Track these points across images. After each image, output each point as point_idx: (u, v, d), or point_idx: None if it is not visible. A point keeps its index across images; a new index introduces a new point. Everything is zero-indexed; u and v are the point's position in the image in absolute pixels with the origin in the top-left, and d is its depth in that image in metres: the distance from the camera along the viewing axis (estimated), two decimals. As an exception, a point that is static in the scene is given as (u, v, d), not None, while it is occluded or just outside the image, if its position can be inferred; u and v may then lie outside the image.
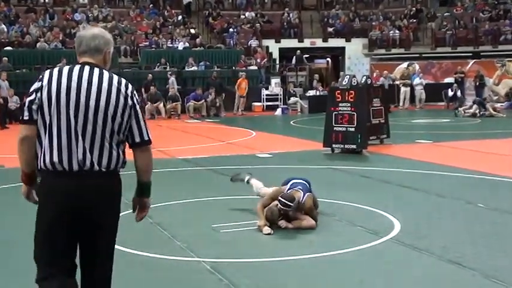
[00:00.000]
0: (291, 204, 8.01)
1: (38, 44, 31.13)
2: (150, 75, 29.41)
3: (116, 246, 7.31)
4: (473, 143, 17.25)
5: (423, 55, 36.74)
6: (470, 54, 35.33)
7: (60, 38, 32.02)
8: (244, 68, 32.02)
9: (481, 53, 35.18)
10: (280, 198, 8.10)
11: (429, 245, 7.35)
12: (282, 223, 8.08)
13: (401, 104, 31.50)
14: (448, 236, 7.86)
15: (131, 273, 6.65)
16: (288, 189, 8.42)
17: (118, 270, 6.85)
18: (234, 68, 32.32)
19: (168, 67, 31.33)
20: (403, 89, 31.60)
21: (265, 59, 33.64)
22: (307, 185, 8.68)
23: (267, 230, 7.96)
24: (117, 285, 4.70)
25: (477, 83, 31.15)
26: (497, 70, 32.61)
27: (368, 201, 9.75)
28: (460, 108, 26.62)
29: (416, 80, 32.34)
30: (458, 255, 6.95)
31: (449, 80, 33.30)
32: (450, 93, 31.79)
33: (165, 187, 11.54)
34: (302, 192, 8.36)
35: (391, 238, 7.73)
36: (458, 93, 31.71)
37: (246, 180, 9.58)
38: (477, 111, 25.84)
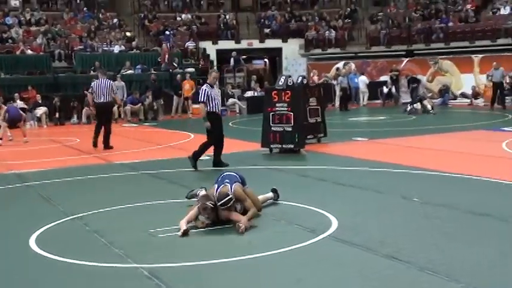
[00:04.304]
0: (226, 198, 8.28)
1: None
2: (94, 79, 28.85)
3: (53, 256, 7.30)
4: (408, 139, 17.56)
5: (358, 54, 37.24)
6: (404, 52, 35.97)
7: (-8, 43, 31.41)
8: (180, 70, 31.89)
9: (414, 52, 35.85)
10: (217, 203, 8.28)
11: (366, 241, 7.44)
12: (240, 228, 8.05)
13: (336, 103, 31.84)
14: (384, 231, 7.97)
15: (69, 282, 6.57)
16: (217, 190, 8.55)
17: (55, 280, 6.80)
18: (170, 70, 32.14)
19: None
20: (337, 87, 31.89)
21: (167, 56, 33.29)
22: (237, 176, 9.00)
23: (182, 232, 8.00)
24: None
25: (410, 87, 31.73)
26: (431, 68, 33.23)
27: (306, 199, 9.81)
28: (409, 106, 26.89)
29: (361, 79, 32.76)
30: (394, 249, 7.06)
31: (384, 78, 33.84)
32: (385, 90, 32.34)
33: (102, 193, 11.46)
34: (229, 185, 8.63)
35: (328, 235, 7.79)
36: (393, 90, 32.27)
37: (198, 193, 9.59)
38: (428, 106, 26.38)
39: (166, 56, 32.75)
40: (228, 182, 8.73)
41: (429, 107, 26.60)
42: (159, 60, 33.01)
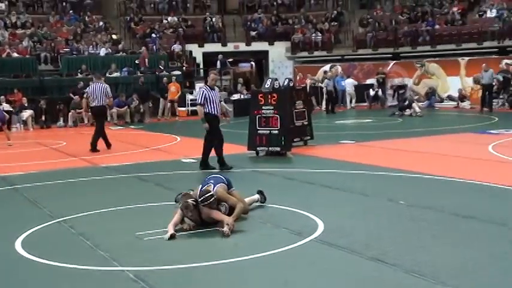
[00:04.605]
0: (207, 194, 8.38)
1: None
2: (81, 82, 28.88)
3: (39, 259, 7.27)
4: (394, 142, 17.59)
5: (345, 57, 37.31)
6: (391, 55, 36.08)
7: (-22, 46, 31.25)
8: (166, 73, 31.87)
9: (401, 54, 35.95)
10: (198, 199, 8.34)
11: (351, 243, 7.45)
12: (225, 232, 8.04)
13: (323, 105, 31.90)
14: (370, 233, 7.99)
15: (54, 285, 6.56)
16: (200, 189, 8.61)
17: (41, 283, 6.77)
18: (157, 73, 32.09)
19: (90, 74, 30.89)
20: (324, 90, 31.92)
21: (147, 59, 33.23)
22: (222, 178, 9.09)
23: (170, 235, 8.00)
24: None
25: (397, 94, 31.86)
26: (417, 70, 33.34)
27: (292, 202, 9.81)
28: (398, 112, 27.00)
29: (348, 81, 32.85)
30: (380, 252, 7.07)
31: (371, 81, 33.93)
32: (372, 92, 32.43)
33: (88, 196, 11.42)
34: (213, 185, 8.75)
35: (314, 238, 7.80)
36: (380, 93, 32.36)
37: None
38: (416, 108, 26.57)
39: (146, 59, 32.63)
40: (212, 183, 8.83)
41: (417, 109, 26.71)
42: (137, 62, 32.82)
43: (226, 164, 13.63)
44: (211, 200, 8.39)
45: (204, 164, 13.68)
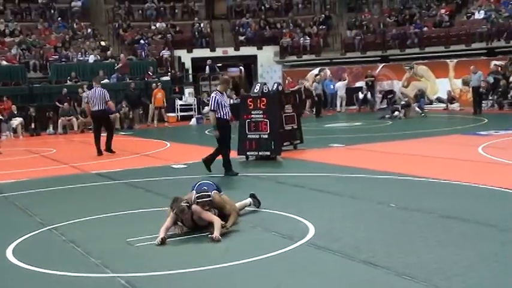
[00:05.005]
0: (205, 193, 8.49)
1: None
2: (64, 89, 28.91)
3: (30, 267, 7.25)
4: (384, 145, 17.65)
5: (333, 60, 37.37)
6: (379, 58, 36.18)
7: (-34, 54, 31.14)
8: (156, 79, 31.84)
9: (389, 57, 36.08)
10: (196, 197, 8.44)
11: (343, 247, 7.47)
12: (215, 237, 8.04)
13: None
14: (361, 236, 8.00)
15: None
16: (197, 190, 8.68)
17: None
18: (146, 79, 32.06)
19: (79, 81, 30.86)
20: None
21: (126, 66, 32.88)
22: (213, 185, 9.08)
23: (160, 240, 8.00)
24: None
25: (386, 99, 31.96)
26: (406, 73, 33.45)
27: (282, 206, 9.83)
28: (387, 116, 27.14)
29: (339, 84, 32.93)
30: (371, 255, 7.09)
31: (360, 84, 34.03)
32: (361, 95, 32.52)
33: (79, 203, 11.40)
34: (209, 191, 8.73)
35: (305, 242, 7.80)
36: (369, 96, 32.46)
37: None
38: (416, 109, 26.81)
39: (123, 65, 32.43)
40: (206, 189, 8.79)
41: (417, 109, 27.04)
42: (116, 68, 32.63)
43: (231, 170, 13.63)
44: (207, 199, 8.43)
45: (227, 168, 13.57)
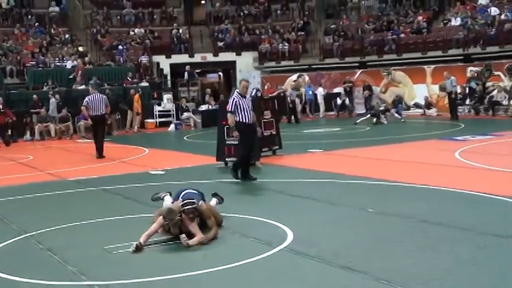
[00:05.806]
0: (190, 201, 8.36)
1: None
2: (35, 95, 28.76)
3: (7, 276, 7.17)
4: (362, 150, 17.70)
5: (312, 66, 37.48)
6: (357, 64, 36.32)
7: None
8: (134, 85, 31.74)
9: (367, 63, 36.21)
10: (183, 204, 8.32)
11: (321, 252, 7.47)
12: (188, 243, 8.02)
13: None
14: (339, 242, 8.02)
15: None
16: (183, 198, 8.59)
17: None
18: (124, 85, 31.94)
19: (57, 87, 30.67)
20: (297, 100, 31.95)
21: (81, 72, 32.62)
22: (198, 194, 8.96)
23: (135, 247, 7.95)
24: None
25: (367, 95, 31.98)
26: (384, 79, 33.61)
27: (261, 212, 9.82)
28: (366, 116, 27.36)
29: (319, 90, 33.04)
30: (349, 260, 7.09)
31: (338, 89, 34.14)
32: (339, 101, 32.64)
33: (56, 210, 11.32)
34: (195, 200, 8.59)
35: (284, 248, 7.79)
36: (347, 102, 32.59)
37: (162, 196, 9.82)
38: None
39: (80, 72, 32.05)
40: (195, 197, 8.70)
41: (397, 115, 27.25)
42: (71, 77, 32.21)
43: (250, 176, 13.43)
44: (193, 207, 8.30)
45: (244, 175, 13.35)
